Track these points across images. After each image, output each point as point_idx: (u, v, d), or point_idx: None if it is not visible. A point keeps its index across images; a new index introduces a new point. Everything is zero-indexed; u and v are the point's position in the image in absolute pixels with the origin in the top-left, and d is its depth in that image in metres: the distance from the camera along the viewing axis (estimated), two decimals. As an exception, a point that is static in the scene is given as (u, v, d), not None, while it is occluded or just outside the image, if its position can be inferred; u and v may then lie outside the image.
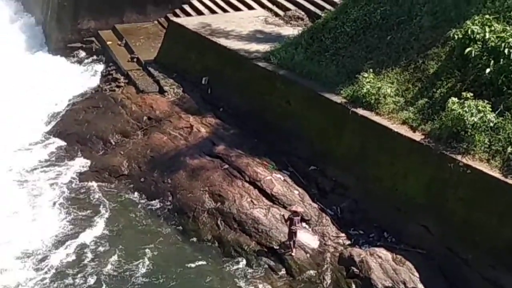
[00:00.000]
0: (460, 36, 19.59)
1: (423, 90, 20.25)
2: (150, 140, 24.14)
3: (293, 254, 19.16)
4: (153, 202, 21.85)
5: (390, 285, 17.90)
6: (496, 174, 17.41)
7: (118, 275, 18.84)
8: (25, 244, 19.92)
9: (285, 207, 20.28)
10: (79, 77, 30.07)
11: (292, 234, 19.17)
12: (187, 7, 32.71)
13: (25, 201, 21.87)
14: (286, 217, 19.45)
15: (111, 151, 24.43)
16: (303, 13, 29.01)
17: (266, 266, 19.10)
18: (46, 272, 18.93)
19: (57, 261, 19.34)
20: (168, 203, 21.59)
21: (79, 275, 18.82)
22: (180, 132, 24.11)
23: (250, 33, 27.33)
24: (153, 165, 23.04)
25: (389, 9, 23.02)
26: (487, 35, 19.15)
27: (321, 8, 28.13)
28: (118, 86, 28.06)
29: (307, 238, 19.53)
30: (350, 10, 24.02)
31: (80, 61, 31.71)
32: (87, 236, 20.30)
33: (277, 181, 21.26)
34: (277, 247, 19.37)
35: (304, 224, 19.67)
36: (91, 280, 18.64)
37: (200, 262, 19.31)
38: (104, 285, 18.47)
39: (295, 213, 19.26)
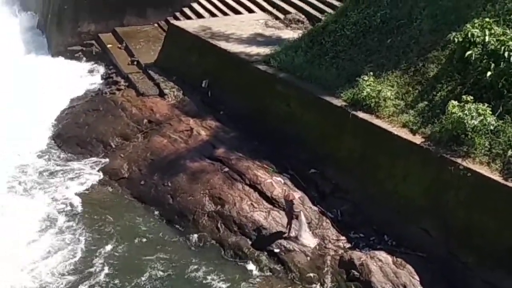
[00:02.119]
0: (460, 39, 19.61)
1: (423, 93, 20.25)
2: (150, 143, 24.13)
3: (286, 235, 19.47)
4: (153, 205, 21.83)
5: (391, 288, 17.92)
6: (497, 177, 17.38)
7: (118, 279, 18.78)
8: (23, 250, 19.84)
9: (285, 210, 20.25)
10: (79, 80, 30.11)
11: (291, 216, 19.39)
12: (187, 10, 32.79)
13: (24, 205, 21.81)
14: (287, 198, 19.65)
15: (111, 154, 24.43)
16: (303, 16, 29.03)
17: (266, 269, 19.08)
18: (41, 276, 18.85)
19: (55, 264, 19.27)
20: (168, 206, 21.57)
21: (77, 279, 18.75)
22: (180, 135, 24.10)
23: (250, 36, 27.34)
24: (153, 168, 23.03)
25: (389, 12, 23.08)
26: (487, 38, 19.16)
27: (321, 11, 28.16)
28: (118, 89, 28.08)
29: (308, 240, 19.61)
30: (350, 13, 24.06)
31: (80, 64, 31.74)
32: (87, 240, 20.24)
33: (277, 184, 21.24)
34: (278, 250, 19.40)
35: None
36: (90, 285, 18.57)
37: (201, 266, 19.26)
38: (104, 289, 18.51)
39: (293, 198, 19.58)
